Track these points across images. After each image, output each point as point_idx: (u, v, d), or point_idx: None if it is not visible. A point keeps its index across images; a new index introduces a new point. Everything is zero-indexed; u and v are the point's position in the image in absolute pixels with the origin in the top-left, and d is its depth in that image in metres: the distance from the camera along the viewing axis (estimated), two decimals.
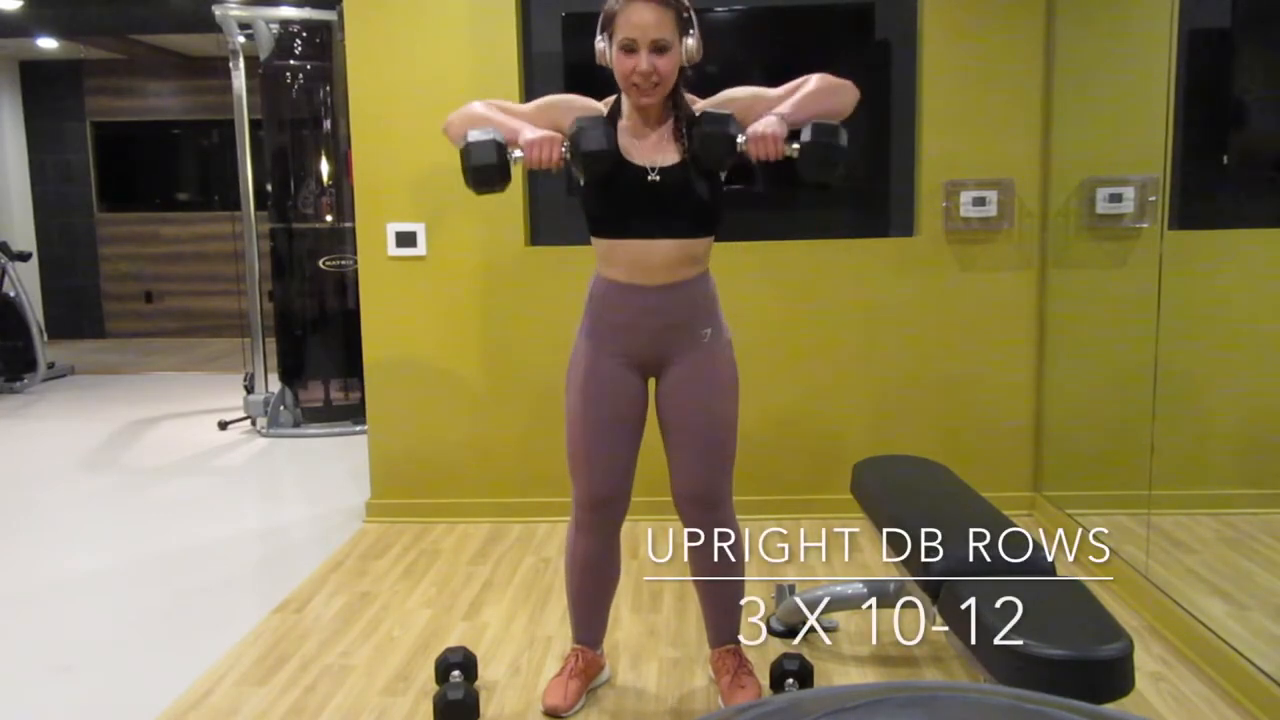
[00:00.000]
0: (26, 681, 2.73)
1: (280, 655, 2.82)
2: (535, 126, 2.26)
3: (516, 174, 3.82)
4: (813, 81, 2.25)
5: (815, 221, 3.91)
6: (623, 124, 2.29)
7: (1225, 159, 3.59)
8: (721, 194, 2.31)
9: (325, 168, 5.67)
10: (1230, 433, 3.55)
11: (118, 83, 9.42)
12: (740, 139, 2.14)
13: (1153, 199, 3.21)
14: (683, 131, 2.25)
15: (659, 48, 2.16)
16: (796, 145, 2.12)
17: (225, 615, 3.12)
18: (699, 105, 2.30)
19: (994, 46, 3.68)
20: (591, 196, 2.30)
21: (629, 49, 2.17)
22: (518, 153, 2.18)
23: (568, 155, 2.20)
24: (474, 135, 2.17)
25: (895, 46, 3.81)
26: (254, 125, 5.71)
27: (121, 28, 7.72)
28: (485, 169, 2.15)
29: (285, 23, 5.54)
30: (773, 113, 2.18)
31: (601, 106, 2.33)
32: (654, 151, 2.27)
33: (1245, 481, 3.56)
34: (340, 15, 3.94)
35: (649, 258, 2.28)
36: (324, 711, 2.51)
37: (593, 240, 2.35)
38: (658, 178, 2.24)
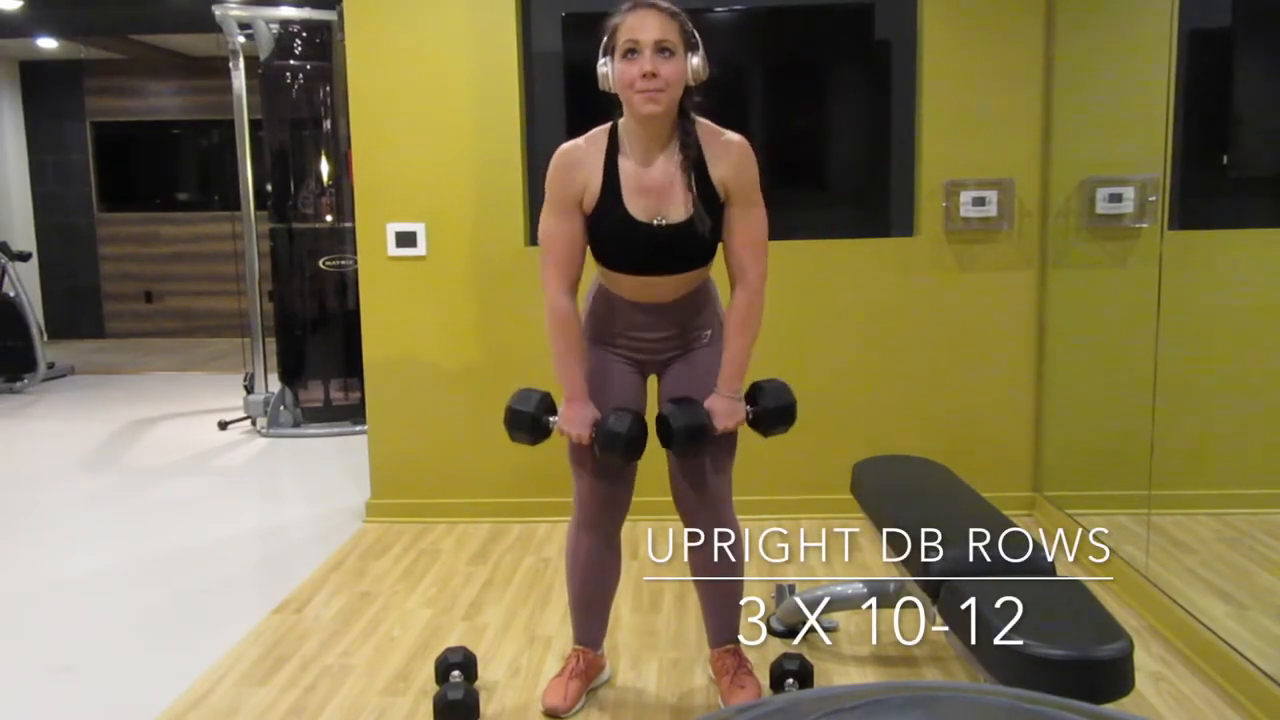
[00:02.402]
0: (26, 681, 2.73)
1: (280, 655, 2.82)
2: (579, 238, 2.27)
3: (517, 175, 3.84)
4: (738, 338, 2.33)
5: (815, 221, 3.91)
6: (624, 161, 2.23)
7: (1225, 159, 3.59)
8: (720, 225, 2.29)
9: (325, 168, 5.68)
10: (1230, 433, 3.55)
11: (118, 83, 9.42)
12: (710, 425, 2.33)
13: (1153, 199, 3.21)
14: (690, 163, 2.19)
15: (663, 49, 2.11)
16: (751, 410, 2.38)
17: (225, 615, 3.12)
18: (704, 130, 2.23)
19: (994, 46, 3.68)
20: (596, 241, 2.29)
21: (632, 53, 2.11)
22: (554, 420, 2.37)
23: (595, 439, 2.33)
24: (517, 405, 2.39)
25: (895, 46, 3.81)
26: (254, 125, 5.71)
27: (121, 28, 7.73)
28: (518, 435, 2.40)
29: (285, 23, 5.54)
30: (724, 395, 2.33)
31: (596, 152, 2.25)
32: (661, 198, 2.21)
33: (1245, 481, 3.56)
34: (340, 15, 3.94)
35: (652, 289, 2.31)
36: (324, 711, 2.51)
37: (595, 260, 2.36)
38: (663, 233, 2.22)
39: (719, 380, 2.35)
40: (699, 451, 2.34)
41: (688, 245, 2.25)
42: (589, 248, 2.32)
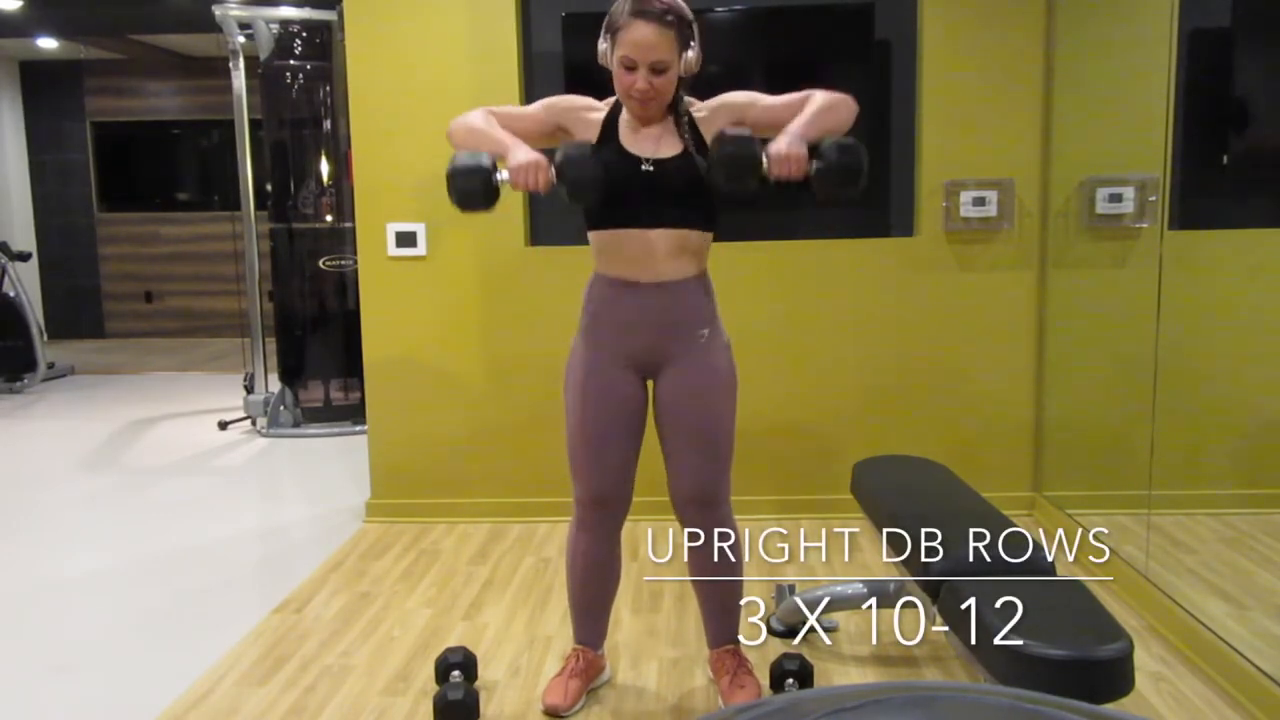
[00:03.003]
0: (26, 681, 2.73)
1: (280, 655, 2.82)
2: (528, 143, 2.26)
3: None
4: (818, 98, 2.22)
5: (815, 221, 3.91)
6: (624, 118, 2.32)
7: (1225, 159, 3.59)
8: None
9: (325, 168, 5.68)
10: (1230, 433, 3.55)
11: (118, 83, 9.42)
12: (763, 160, 2.10)
13: (1153, 199, 3.21)
14: (684, 128, 2.27)
15: (657, 69, 2.18)
16: (816, 164, 2.10)
17: (225, 615, 3.12)
18: (697, 107, 2.32)
19: (994, 46, 3.68)
20: None
21: (629, 66, 2.19)
22: (504, 175, 2.16)
23: (554, 180, 2.15)
24: (461, 158, 2.15)
25: (895, 46, 3.81)
26: (254, 125, 5.71)
27: (121, 28, 7.73)
28: (469, 194, 2.15)
29: (285, 23, 5.54)
30: (789, 132, 2.14)
31: (603, 106, 2.35)
32: (654, 143, 2.29)
33: (1245, 481, 3.56)
34: (340, 15, 3.94)
35: (646, 249, 2.28)
36: (324, 711, 2.51)
37: (590, 236, 2.36)
38: (652, 167, 2.26)
39: (787, 125, 2.17)
40: (744, 187, 2.10)
41: (680, 187, 2.26)
42: (584, 211, 2.33)
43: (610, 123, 2.32)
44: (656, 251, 2.28)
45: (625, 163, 2.27)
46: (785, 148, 2.11)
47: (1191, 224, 3.40)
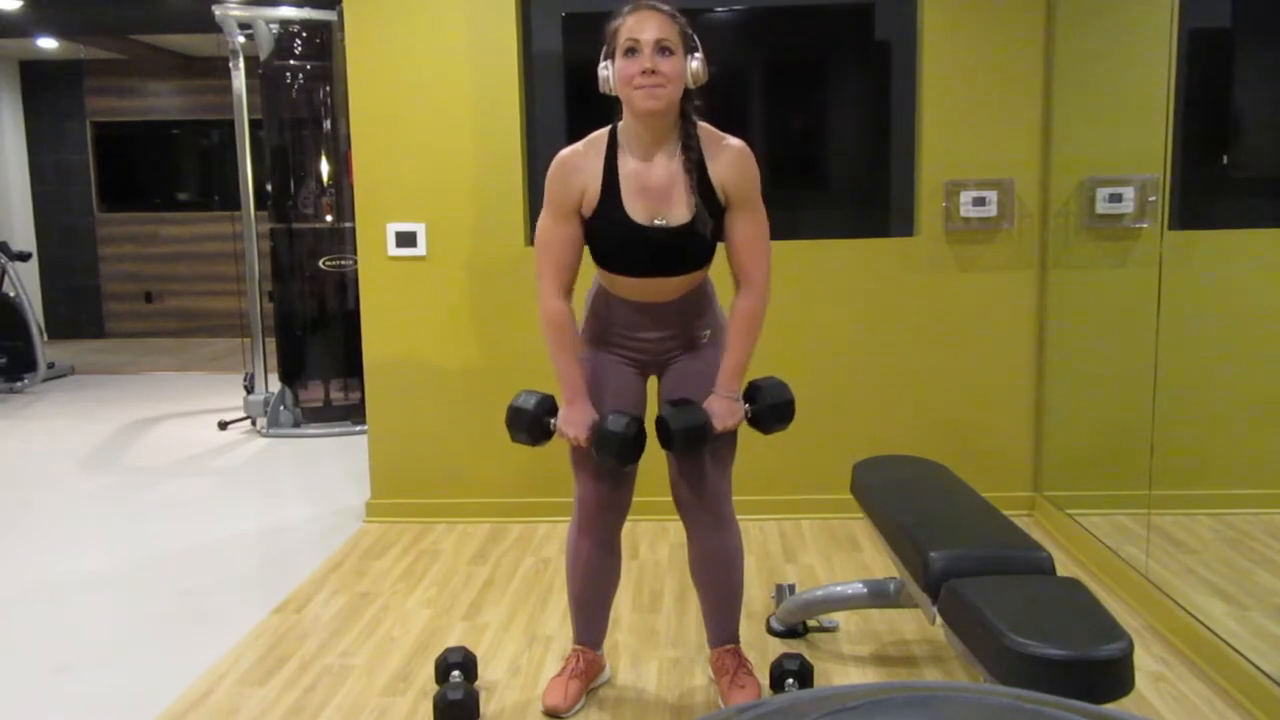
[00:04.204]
0: (26, 681, 2.73)
1: (280, 655, 2.82)
2: (575, 238, 2.27)
3: (517, 175, 3.84)
4: (741, 341, 2.33)
5: (815, 221, 3.91)
6: (624, 163, 2.24)
7: (1225, 159, 3.59)
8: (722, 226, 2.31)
9: (325, 168, 5.68)
10: (1230, 433, 3.55)
11: (118, 83, 9.43)
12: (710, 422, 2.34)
13: (1153, 199, 3.21)
14: (694, 176, 2.21)
15: (663, 48, 2.13)
16: (751, 409, 2.39)
17: (225, 615, 3.12)
18: (708, 137, 2.25)
19: (994, 46, 3.69)
20: (595, 244, 2.30)
21: (632, 51, 2.13)
22: (554, 421, 2.38)
23: (592, 441, 2.34)
24: (519, 405, 2.40)
25: (895, 46, 3.81)
26: (254, 125, 5.72)
27: (121, 28, 7.73)
28: (519, 436, 2.41)
29: (285, 23, 5.55)
30: (723, 394, 2.34)
31: (594, 154, 2.26)
32: (661, 199, 2.22)
33: (1245, 481, 3.56)
34: (340, 15, 3.94)
35: (652, 289, 2.32)
36: (324, 711, 2.51)
37: (598, 269, 2.37)
38: (663, 235, 2.23)
39: (718, 380, 2.35)
40: (699, 452, 2.34)
41: (688, 246, 2.26)
42: (589, 250, 2.32)
43: (610, 175, 2.24)
44: (664, 291, 2.33)
45: (633, 233, 2.23)
46: (726, 419, 2.34)
47: (1191, 224, 3.40)
